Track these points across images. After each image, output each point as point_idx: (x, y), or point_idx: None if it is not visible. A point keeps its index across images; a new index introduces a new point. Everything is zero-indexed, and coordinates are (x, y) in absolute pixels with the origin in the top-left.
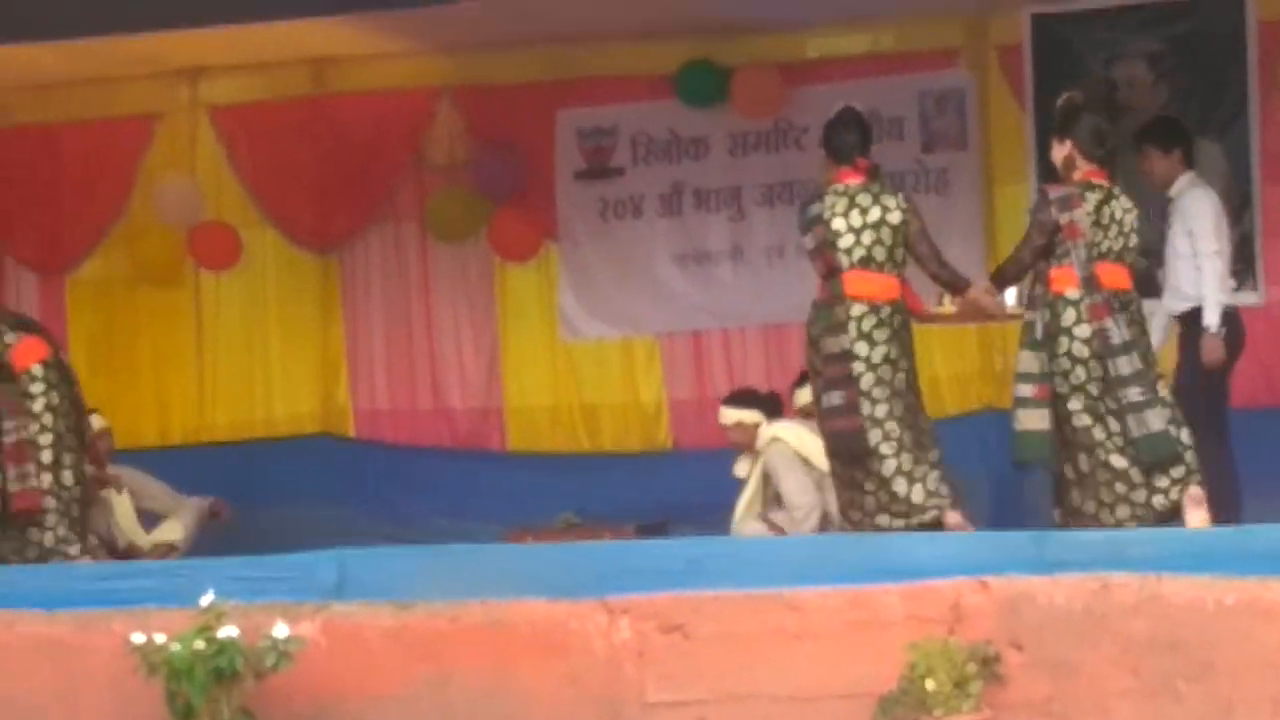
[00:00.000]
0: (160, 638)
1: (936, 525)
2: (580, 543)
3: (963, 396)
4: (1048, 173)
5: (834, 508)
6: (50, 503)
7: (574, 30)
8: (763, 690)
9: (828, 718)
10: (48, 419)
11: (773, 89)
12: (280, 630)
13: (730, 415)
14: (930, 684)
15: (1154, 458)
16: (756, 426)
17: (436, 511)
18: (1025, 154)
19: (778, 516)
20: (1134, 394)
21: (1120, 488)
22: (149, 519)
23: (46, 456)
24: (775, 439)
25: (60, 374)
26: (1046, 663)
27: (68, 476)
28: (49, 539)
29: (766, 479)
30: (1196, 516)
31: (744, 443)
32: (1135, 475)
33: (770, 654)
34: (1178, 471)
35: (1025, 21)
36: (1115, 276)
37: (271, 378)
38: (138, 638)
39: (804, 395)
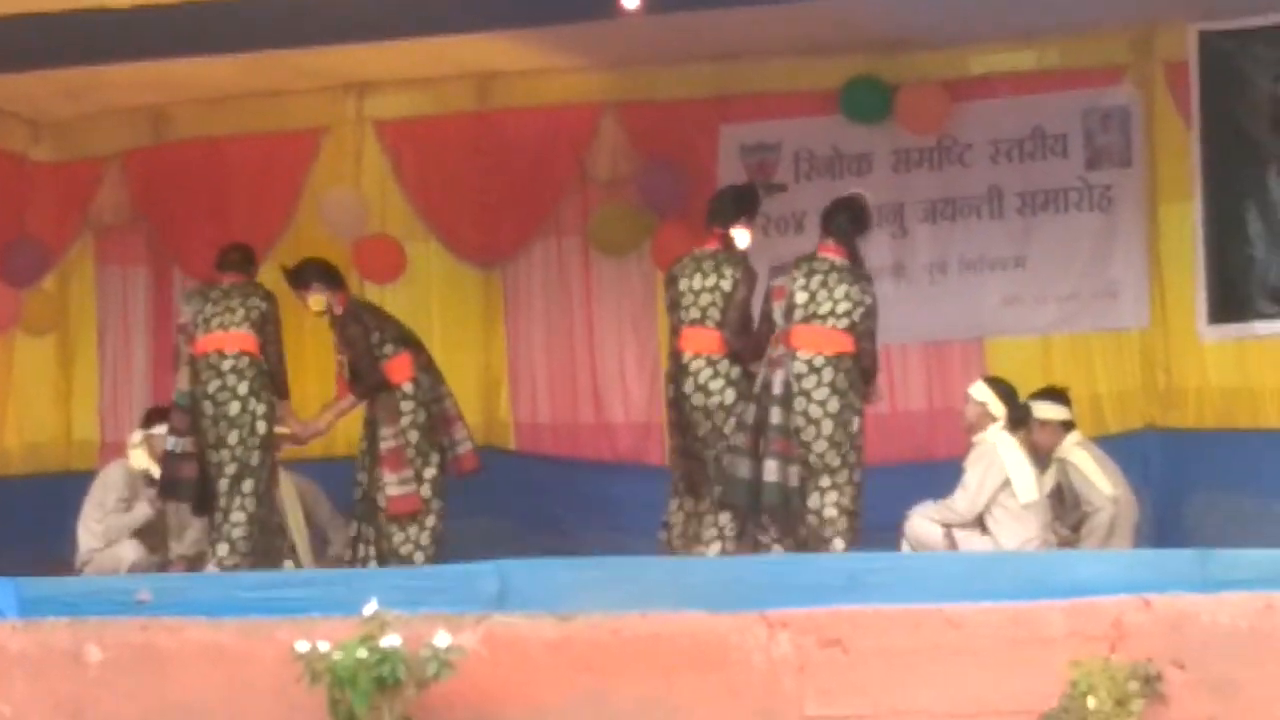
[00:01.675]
0: (324, 646)
1: None
2: (740, 557)
3: (1124, 414)
4: (1214, 190)
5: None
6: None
7: (738, 46)
8: (922, 706)
9: None
10: (412, 435)
11: (937, 105)
12: (442, 640)
13: (1053, 412)
14: (1092, 702)
15: (729, 501)
16: (1066, 430)
17: (596, 525)
18: (1190, 171)
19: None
20: (740, 440)
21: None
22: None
23: (417, 467)
24: (1076, 449)
25: (419, 392)
26: (1209, 682)
27: (426, 489)
28: (405, 548)
29: (1059, 492)
30: None
31: (1047, 445)
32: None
33: (930, 670)
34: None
35: (1192, 38)
36: (813, 339)
37: None
38: (302, 646)
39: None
